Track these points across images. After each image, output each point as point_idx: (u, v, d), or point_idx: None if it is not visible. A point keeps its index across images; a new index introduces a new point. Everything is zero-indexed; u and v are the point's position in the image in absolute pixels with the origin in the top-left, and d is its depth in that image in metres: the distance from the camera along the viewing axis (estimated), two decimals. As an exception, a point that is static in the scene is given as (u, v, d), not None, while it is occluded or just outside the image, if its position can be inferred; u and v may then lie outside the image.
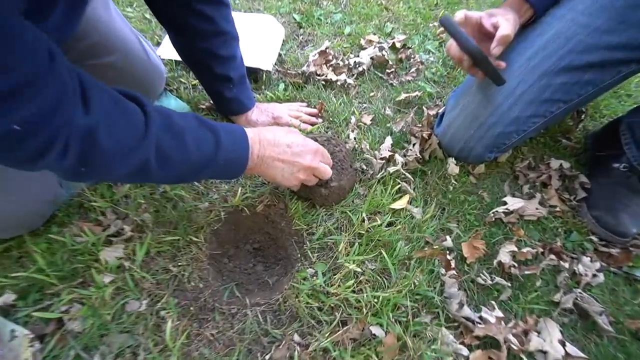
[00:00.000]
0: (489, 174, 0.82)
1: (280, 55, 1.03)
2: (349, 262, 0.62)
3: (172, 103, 0.87)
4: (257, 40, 0.99)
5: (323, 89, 0.94)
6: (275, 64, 0.99)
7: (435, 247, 0.63)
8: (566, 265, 0.64)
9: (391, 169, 0.73)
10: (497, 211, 0.72)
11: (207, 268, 0.66)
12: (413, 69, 1.00)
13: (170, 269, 0.63)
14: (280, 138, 0.59)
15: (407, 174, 0.74)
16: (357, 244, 0.65)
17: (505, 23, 0.61)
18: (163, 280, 0.62)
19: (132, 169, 0.43)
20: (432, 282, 0.63)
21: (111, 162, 0.41)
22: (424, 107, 0.89)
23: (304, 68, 0.96)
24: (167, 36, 0.93)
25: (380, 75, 0.99)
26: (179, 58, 0.77)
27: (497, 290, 0.64)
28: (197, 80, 0.91)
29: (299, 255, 0.68)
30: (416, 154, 0.76)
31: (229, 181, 0.75)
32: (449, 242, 0.66)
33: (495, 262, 0.65)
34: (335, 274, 0.63)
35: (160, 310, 0.59)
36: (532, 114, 0.69)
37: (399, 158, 0.75)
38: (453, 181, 0.77)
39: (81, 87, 0.38)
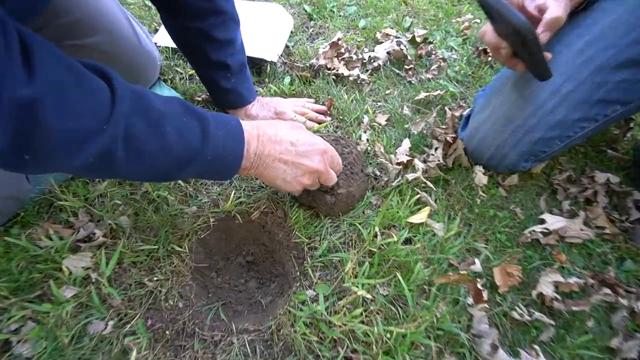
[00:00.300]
0: (522, 186, 0.70)
1: (287, 47, 0.94)
2: (357, 286, 0.52)
3: (166, 93, 0.79)
4: (263, 29, 0.91)
5: (333, 85, 0.84)
6: (282, 55, 0.90)
7: (462, 272, 0.52)
8: (624, 301, 0.52)
9: (410, 176, 0.63)
10: (534, 231, 0.61)
11: (189, 284, 0.56)
12: (434, 66, 0.90)
13: (145, 284, 0.53)
14: (284, 134, 0.50)
15: (428, 183, 0.64)
16: (367, 263, 0.55)
17: (554, 4, 0.50)
18: (136, 296, 0.53)
19: (91, 159, 0.34)
20: (457, 314, 0.52)
21: (61, 148, 0.32)
22: (446, 108, 0.78)
23: (313, 61, 0.87)
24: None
25: (397, 71, 0.89)
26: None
27: (536, 329, 0.52)
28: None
29: (298, 273, 0.57)
30: (439, 160, 0.66)
31: (221, 183, 0.65)
32: (477, 265, 0.55)
33: (534, 293, 0.54)
34: (339, 299, 0.53)
35: (129, 334, 0.49)
36: (581, 117, 0.58)
37: (418, 164, 0.65)
38: (481, 193, 0.66)
39: (23, 47, 0.29)
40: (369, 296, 0.50)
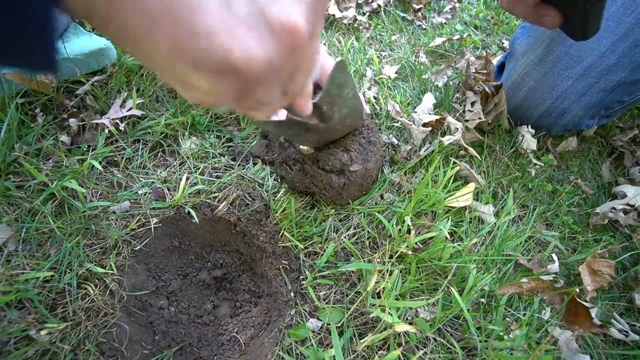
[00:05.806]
0: (573, 151, 0.54)
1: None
2: (388, 312, 0.33)
3: (84, 40, 0.55)
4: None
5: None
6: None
7: (542, 277, 0.35)
8: None
9: (446, 139, 0.44)
10: (614, 209, 0.44)
11: (119, 325, 0.35)
12: (447, 8, 0.71)
13: (32, 339, 0.32)
14: None
15: (471, 149, 0.45)
16: (397, 273, 0.36)
17: None
18: (19, 360, 0.31)
19: None
20: (534, 337, 0.35)
21: None
22: (470, 57, 0.60)
23: (293, -2, 0.65)
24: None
25: (402, 14, 0.69)
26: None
27: (645, 350, 0.36)
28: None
29: (293, 293, 0.38)
30: (480, 117, 0.47)
31: (167, 166, 0.43)
32: (555, 265, 0.38)
33: (638, 298, 0.37)
34: (362, 334, 0.34)
35: None
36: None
37: (454, 123, 0.46)
38: (534, 161, 0.49)
39: None
40: (410, 329, 0.31)
